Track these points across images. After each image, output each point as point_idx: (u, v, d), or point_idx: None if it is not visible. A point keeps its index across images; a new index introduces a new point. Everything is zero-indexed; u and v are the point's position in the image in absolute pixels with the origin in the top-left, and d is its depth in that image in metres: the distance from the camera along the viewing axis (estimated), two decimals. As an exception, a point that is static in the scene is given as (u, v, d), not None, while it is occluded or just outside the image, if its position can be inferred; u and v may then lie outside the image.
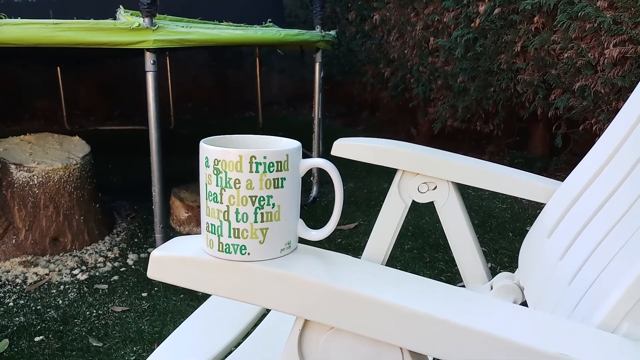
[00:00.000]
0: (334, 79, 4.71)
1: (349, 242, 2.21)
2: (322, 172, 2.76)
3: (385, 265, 1.01)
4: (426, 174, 1.01)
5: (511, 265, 1.99)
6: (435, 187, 1.03)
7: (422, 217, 2.44)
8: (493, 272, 1.05)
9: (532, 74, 2.59)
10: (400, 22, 3.47)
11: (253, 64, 4.28)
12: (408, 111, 3.90)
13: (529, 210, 2.57)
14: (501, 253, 2.10)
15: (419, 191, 1.03)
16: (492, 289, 0.98)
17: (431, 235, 2.26)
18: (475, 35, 2.78)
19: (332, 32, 2.79)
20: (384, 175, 3.06)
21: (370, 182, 3.05)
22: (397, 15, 3.49)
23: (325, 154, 2.82)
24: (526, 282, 0.88)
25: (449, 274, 1.92)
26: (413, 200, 1.02)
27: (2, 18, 1.67)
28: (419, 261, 2.04)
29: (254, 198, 0.53)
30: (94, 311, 1.66)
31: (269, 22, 2.67)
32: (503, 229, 2.36)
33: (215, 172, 0.54)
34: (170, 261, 0.53)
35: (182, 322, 0.84)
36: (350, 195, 2.83)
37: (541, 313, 0.53)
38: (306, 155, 3.49)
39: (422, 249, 2.14)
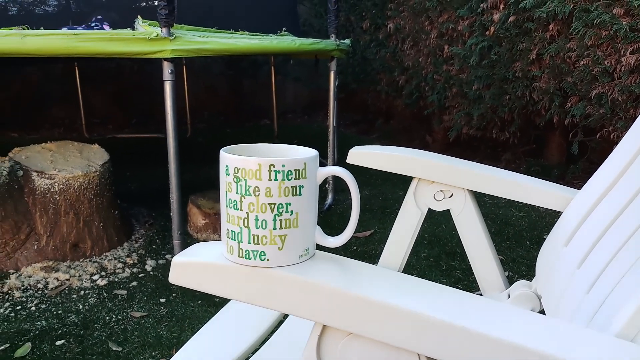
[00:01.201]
0: (349, 87, 4.73)
1: (365, 249, 2.22)
2: (337, 180, 2.77)
3: (402, 273, 1.01)
4: (442, 182, 1.01)
5: (529, 273, 1.98)
6: (452, 195, 1.03)
7: (438, 225, 2.43)
8: (511, 281, 1.05)
9: (547, 81, 2.58)
10: (415, 31, 3.47)
11: (268, 72, 4.31)
12: (423, 119, 3.90)
13: (546, 219, 2.55)
14: (518, 262, 2.09)
15: (435, 199, 1.03)
16: (509, 297, 0.98)
17: (447, 243, 2.26)
18: (490, 43, 2.78)
19: (347, 41, 2.81)
20: (400, 183, 3.06)
21: (385, 190, 3.05)
22: (412, 23, 3.50)
23: (340, 161, 2.83)
24: (544, 291, 0.88)
25: (465, 282, 1.92)
26: (429, 208, 1.02)
27: (24, 29, 1.71)
28: (435, 269, 2.03)
29: (272, 205, 0.54)
30: (114, 316, 1.68)
31: (284, 31, 2.70)
32: (520, 237, 2.34)
33: (235, 180, 0.55)
34: (191, 267, 0.54)
35: (200, 328, 0.85)
36: (365, 202, 2.83)
37: (559, 321, 0.53)
38: (321, 163, 3.50)
39: (438, 257, 2.13)
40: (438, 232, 2.37)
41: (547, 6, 2.34)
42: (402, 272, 1.03)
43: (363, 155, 1.06)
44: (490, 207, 2.72)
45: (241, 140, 4.64)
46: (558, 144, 3.20)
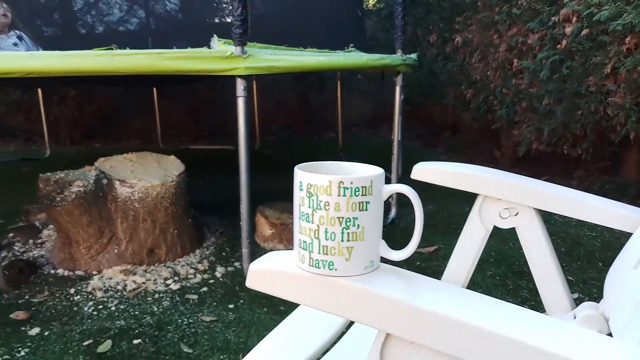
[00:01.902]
0: (415, 100, 4.72)
1: (428, 265, 2.21)
2: (401, 195, 2.78)
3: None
4: (508, 200, 1.01)
5: (600, 296, 1.90)
6: (517, 213, 1.02)
7: (505, 243, 2.38)
8: (580, 303, 1.03)
9: (623, 96, 2.48)
10: (483, 44, 3.44)
11: (335, 86, 4.39)
12: (491, 133, 3.83)
13: (620, 240, 2.44)
14: (589, 283, 2.02)
15: (501, 217, 1.03)
16: (575, 318, 0.97)
17: (515, 262, 2.21)
18: (561, 57, 2.71)
19: (413, 55, 2.83)
20: (466, 199, 3.02)
21: (451, 205, 3.02)
22: (480, 37, 3.47)
23: (405, 175, 2.84)
24: (611, 313, 0.86)
25: (532, 302, 1.87)
26: (494, 226, 1.02)
27: (112, 49, 1.86)
28: (501, 288, 2.00)
29: (341, 219, 0.59)
30: (185, 319, 1.78)
31: (351, 47, 2.76)
32: (592, 258, 2.26)
33: (308, 195, 0.60)
34: (267, 273, 0.59)
35: (266, 334, 0.90)
36: (430, 218, 2.82)
37: (627, 344, 0.53)
38: (385, 177, 3.52)
39: (505, 276, 2.10)
40: (505, 250, 2.33)
41: (623, 19, 2.26)
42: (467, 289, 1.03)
43: (427, 171, 1.07)
44: (560, 225, 2.64)
45: (307, 152, 4.73)
46: (636, 160, 3.05)
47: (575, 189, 1.01)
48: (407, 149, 4.73)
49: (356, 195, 0.59)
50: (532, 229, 1.01)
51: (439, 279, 1.07)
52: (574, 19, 2.60)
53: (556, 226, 2.62)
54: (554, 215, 2.68)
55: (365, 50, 3.09)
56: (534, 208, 0.99)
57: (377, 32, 5.24)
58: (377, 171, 0.63)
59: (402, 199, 2.84)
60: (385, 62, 2.49)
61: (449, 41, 3.91)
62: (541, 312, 0.99)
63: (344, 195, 0.58)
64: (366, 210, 0.60)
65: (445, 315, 0.52)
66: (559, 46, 2.71)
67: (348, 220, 0.59)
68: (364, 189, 0.59)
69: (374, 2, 5.74)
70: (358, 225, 0.59)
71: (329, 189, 0.58)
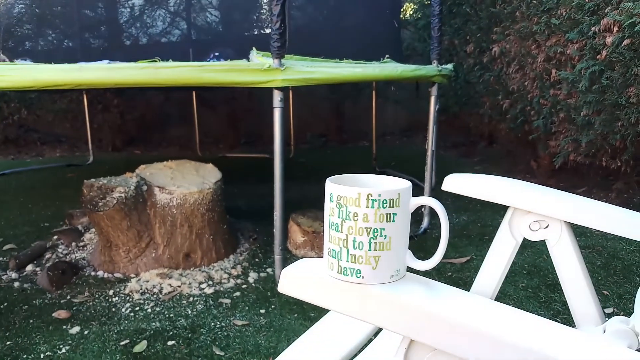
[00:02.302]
0: (451, 110, 4.70)
1: (460, 276, 2.20)
2: (434, 204, 2.77)
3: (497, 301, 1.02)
4: (538, 212, 1.01)
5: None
6: (547, 226, 1.02)
7: (539, 255, 2.36)
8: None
9: (666, 108, 2.42)
10: (521, 54, 3.41)
11: (369, 95, 4.42)
12: (527, 144, 3.78)
13: (661, 254, 2.37)
14: (625, 298, 1.97)
15: (531, 229, 1.03)
16: (604, 332, 0.96)
17: (548, 274, 2.18)
18: (601, 68, 2.66)
19: (449, 66, 2.83)
20: (499, 209, 3.00)
21: (484, 216, 3.00)
22: (517, 47, 3.44)
23: (438, 185, 2.84)
24: (642, 328, 0.86)
25: (565, 315, 1.85)
26: (525, 238, 1.02)
27: (156, 61, 1.94)
28: (533, 300, 1.98)
29: (369, 229, 0.62)
30: (218, 323, 1.83)
31: (387, 58, 2.78)
32: (629, 272, 2.21)
33: (337, 206, 0.63)
34: (298, 279, 0.63)
35: (295, 339, 0.93)
36: (463, 228, 2.80)
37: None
38: (419, 186, 3.51)
39: (537, 289, 2.07)
40: (539, 262, 2.30)
41: (666, 29, 2.21)
42: (497, 300, 1.04)
43: (458, 183, 1.08)
44: (597, 238, 2.59)
45: (341, 161, 4.77)
46: (679, 174, 2.96)
47: (613, 202, 1.00)
48: (442, 158, 4.72)
49: (384, 207, 0.62)
50: (562, 242, 1.01)
51: (470, 290, 1.08)
52: (615, 29, 2.56)
53: (592, 239, 2.57)
54: (590, 227, 2.62)
55: (401, 60, 3.11)
56: (565, 221, 0.99)
57: (414, 42, 5.25)
58: (404, 184, 0.66)
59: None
60: (420, 73, 2.51)
61: (486, 51, 3.89)
62: (572, 326, 0.99)
63: (372, 207, 0.61)
64: (393, 221, 0.62)
65: (467, 324, 0.54)
66: (599, 56, 2.67)
67: (375, 230, 0.62)
68: (392, 201, 0.62)
69: (411, 13, 5.76)
70: (385, 235, 0.62)
71: (358, 201, 0.61)
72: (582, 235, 2.62)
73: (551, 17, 3.03)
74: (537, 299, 1.99)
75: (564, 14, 2.91)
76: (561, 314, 1.87)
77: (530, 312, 1.90)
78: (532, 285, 2.10)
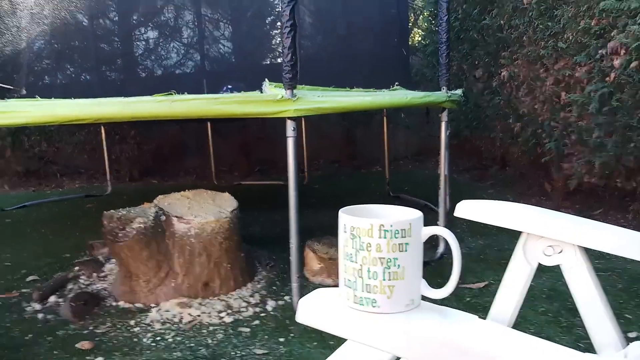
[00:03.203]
0: (462, 134, 4.72)
1: (478, 301, 2.20)
2: (449, 229, 2.78)
3: (516, 328, 1.02)
4: (551, 237, 1.02)
5: (659, 335, 1.84)
6: (562, 251, 1.03)
7: (558, 279, 2.34)
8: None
9: (678, 128, 2.43)
10: (530, 78, 3.44)
11: (381, 121, 4.47)
12: (540, 166, 3.78)
13: (681, 275, 2.34)
14: (647, 321, 1.95)
15: (545, 254, 1.04)
16: (625, 357, 0.96)
17: (568, 298, 2.15)
18: (610, 90, 2.68)
19: (458, 91, 2.87)
20: (517, 233, 2.98)
21: (501, 240, 2.99)
22: (526, 71, 3.47)
23: (452, 210, 2.84)
24: (663, 353, 0.86)
25: (587, 340, 1.81)
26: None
27: (171, 94, 2.00)
28: (554, 325, 1.96)
29: (382, 259, 0.64)
30: (238, 352, 1.84)
31: (396, 85, 2.83)
32: (651, 295, 2.18)
33: (351, 236, 0.66)
34: (315, 309, 0.65)
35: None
36: (480, 252, 2.80)
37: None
38: (433, 210, 3.52)
39: (558, 313, 2.06)
40: (558, 286, 2.28)
41: (673, 51, 2.24)
42: (517, 326, 1.04)
43: (471, 209, 1.10)
44: (617, 261, 2.56)
45: (354, 186, 4.80)
46: (696, 193, 2.94)
47: (630, 223, 1.01)
48: (455, 182, 4.72)
49: (396, 237, 0.64)
50: (576, 267, 1.01)
51: (487, 316, 1.09)
52: (622, 52, 2.59)
53: (612, 262, 2.55)
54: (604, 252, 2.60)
55: (410, 86, 3.16)
56: (579, 246, 1.00)
57: (423, 68, 5.31)
58: (415, 214, 0.69)
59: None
60: (429, 100, 2.55)
61: (495, 75, 3.93)
62: (593, 352, 0.99)
63: (385, 237, 0.64)
64: (406, 251, 0.65)
65: (482, 353, 0.56)
66: (607, 79, 2.69)
67: (389, 260, 0.64)
68: (403, 231, 0.65)
69: (419, 39, 5.84)
70: (398, 265, 0.65)
71: (371, 232, 0.64)
72: (602, 258, 2.60)
73: (558, 41, 3.08)
74: (558, 324, 1.97)
75: (570, 38, 2.95)
76: (583, 339, 1.85)
77: (551, 337, 1.88)
78: (552, 310, 2.09)
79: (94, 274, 2.48)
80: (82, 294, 2.20)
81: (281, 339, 1.92)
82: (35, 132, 4.95)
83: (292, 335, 1.94)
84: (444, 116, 2.71)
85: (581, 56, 2.85)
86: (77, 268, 2.55)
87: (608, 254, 2.59)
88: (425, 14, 5.69)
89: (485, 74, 4.13)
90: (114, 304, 2.23)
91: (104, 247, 2.69)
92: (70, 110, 1.82)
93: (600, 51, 2.72)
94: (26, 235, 3.31)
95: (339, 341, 1.76)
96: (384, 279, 0.64)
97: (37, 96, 2.12)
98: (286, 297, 2.27)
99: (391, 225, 0.64)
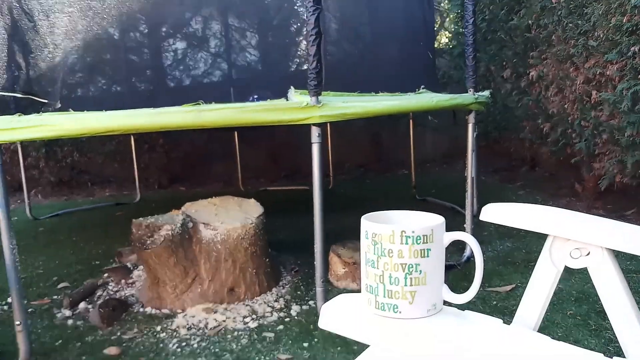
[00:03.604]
0: (491, 135, 4.66)
1: (505, 304, 2.16)
2: (476, 233, 2.74)
3: (543, 331, 1.01)
4: (578, 240, 1.00)
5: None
6: (589, 253, 1.01)
7: (587, 281, 2.29)
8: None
9: None
10: (559, 77, 3.37)
11: (407, 124, 4.44)
12: (570, 167, 3.70)
13: None
14: (684, 326, 1.88)
15: (572, 257, 1.02)
16: (657, 363, 0.94)
17: (598, 301, 2.10)
18: (643, 88, 2.61)
19: (486, 93, 2.83)
20: (543, 235, 2.93)
21: (529, 242, 2.94)
22: (555, 70, 3.41)
23: (480, 212, 2.80)
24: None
25: (617, 344, 1.77)
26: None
27: (199, 104, 2.02)
28: (583, 328, 1.92)
29: (404, 265, 0.64)
30: (262, 357, 1.85)
31: (422, 88, 2.81)
32: (687, 298, 2.11)
33: (373, 243, 0.65)
34: (337, 315, 0.65)
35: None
36: (507, 255, 2.75)
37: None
38: (460, 213, 3.47)
39: (587, 316, 2.01)
40: (587, 288, 2.23)
41: None
42: (545, 330, 1.02)
43: (497, 212, 1.08)
44: (650, 263, 2.49)
45: (380, 190, 4.77)
46: None
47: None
48: (484, 184, 4.65)
49: (417, 243, 0.64)
50: (604, 269, 0.99)
51: (513, 320, 1.07)
52: (655, 48, 2.51)
53: (645, 264, 2.47)
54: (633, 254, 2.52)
55: (437, 89, 3.13)
56: (606, 248, 0.98)
57: (450, 70, 5.27)
58: (437, 220, 0.68)
59: (477, 237, 2.80)
60: (456, 102, 2.52)
61: (523, 76, 3.87)
62: (622, 355, 0.97)
63: (406, 243, 0.64)
64: (427, 256, 0.64)
65: (504, 358, 0.55)
66: None
67: (410, 266, 0.64)
68: (425, 237, 0.64)
69: (446, 41, 5.79)
70: (420, 270, 0.64)
71: (392, 238, 0.64)
72: (633, 259, 2.52)
73: (588, 39, 3.01)
74: (587, 327, 1.92)
75: (601, 36, 2.89)
76: (613, 342, 1.80)
77: (580, 340, 1.84)
78: (581, 313, 2.04)
79: (122, 281, 2.53)
80: (111, 301, 2.24)
81: (305, 344, 1.92)
82: (67, 143, 5.07)
83: (316, 340, 1.94)
84: (471, 118, 2.68)
85: (612, 54, 2.78)
86: (106, 275, 2.61)
87: (637, 256, 2.53)
88: (452, 16, 5.64)
89: (513, 75, 4.07)
90: (141, 310, 2.27)
91: (131, 254, 2.74)
92: (102, 122, 1.86)
93: (632, 48, 2.64)
94: (58, 243, 3.40)
95: (363, 346, 1.75)
96: (406, 285, 0.64)
97: (70, 109, 2.18)
98: (310, 302, 2.27)
99: (413, 232, 0.64)
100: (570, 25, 3.16)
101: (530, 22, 3.65)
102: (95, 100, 3.85)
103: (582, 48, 3.07)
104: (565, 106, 3.37)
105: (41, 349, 1.97)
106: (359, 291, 0.71)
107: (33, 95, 3.26)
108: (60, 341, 2.03)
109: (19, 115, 1.84)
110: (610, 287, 0.98)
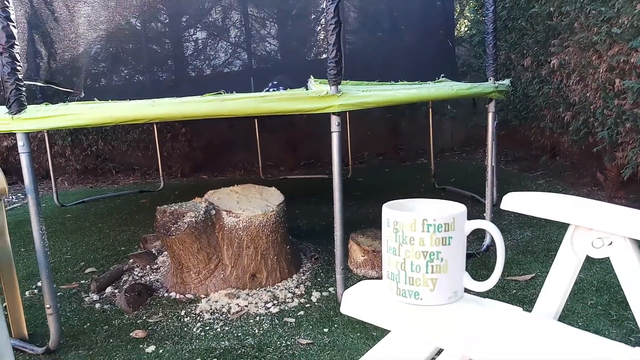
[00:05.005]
0: (511, 123, 4.62)
1: (525, 293, 2.17)
2: (496, 221, 2.74)
3: (563, 320, 1.01)
4: (601, 229, 1.00)
5: None
6: (611, 243, 1.01)
7: (608, 271, 2.28)
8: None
9: None
10: (581, 65, 3.33)
11: (426, 113, 4.42)
12: (592, 156, 3.66)
13: None
14: None
15: (594, 246, 1.02)
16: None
17: (619, 291, 2.11)
18: (669, 76, 2.57)
19: (506, 81, 2.82)
20: (564, 225, 2.91)
21: (549, 231, 2.93)
22: (577, 58, 3.36)
23: (500, 201, 2.80)
24: None
25: (638, 334, 1.78)
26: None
27: (221, 94, 2.05)
28: (603, 318, 1.92)
29: (425, 253, 0.66)
30: (284, 342, 1.89)
31: (442, 76, 2.80)
32: None
33: (394, 231, 0.67)
34: (359, 301, 0.68)
35: (358, 358, 0.96)
36: (527, 244, 2.75)
37: None
38: (480, 202, 3.47)
39: (608, 306, 2.01)
40: (608, 278, 2.22)
41: None
42: (566, 319, 1.03)
43: (517, 201, 1.09)
44: (674, 253, 2.46)
45: (398, 179, 4.78)
46: None
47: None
48: (504, 173, 4.63)
49: (439, 231, 0.66)
50: (627, 259, 0.99)
51: (533, 309, 1.08)
52: (681, 36, 2.47)
53: (669, 255, 2.45)
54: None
55: (456, 77, 3.12)
56: (630, 238, 0.98)
57: (469, 58, 5.22)
58: (459, 209, 0.70)
59: (497, 226, 2.80)
60: (476, 91, 2.51)
61: (544, 64, 3.82)
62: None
63: (428, 231, 0.66)
64: (449, 244, 0.66)
65: (525, 345, 0.57)
66: (665, 64, 2.58)
67: (432, 254, 0.66)
68: (447, 225, 0.66)
69: (465, 29, 5.73)
70: (441, 258, 0.66)
71: (414, 226, 0.66)
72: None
73: (612, 26, 2.96)
74: (608, 317, 1.92)
75: (625, 23, 2.84)
76: (635, 332, 1.80)
77: (600, 330, 1.84)
78: (602, 302, 2.04)
79: (147, 266, 2.59)
80: (136, 285, 2.30)
81: (325, 329, 1.96)
82: (92, 132, 5.17)
83: (335, 325, 1.98)
84: (491, 107, 2.67)
85: (637, 41, 2.73)
86: (131, 260, 2.67)
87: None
88: (472, 4, 5.58)
89: (534, 63, 4.02)
90: (165, 294, 2.33)
91: (156, 240, 2.80)
92: (126, 111, 1.90)
93: (656, 35, 2.60)
94: (85, 230, 3.48)
95: (382, 332, 1.79)
96: (427, 272, 0.66)
97: (95, 99, 2.22)
98: (330, 289, 2.31)
99: (434, 220, 0.66)
100: (593, 12, 3.11)
101: (551, 9, 3.60)
102: (118, 89, 3.92)
103: (606, 35, 3.02)
104: (588, 94, 3.33)
105: (70, 332, 2.04)
106: (378, 279, 0.73)
107: (57, 85, 3.33)
108: (88, 324, 2.10)
109: (46, 104, 1.89)
110: (633, 277, 0.98)
